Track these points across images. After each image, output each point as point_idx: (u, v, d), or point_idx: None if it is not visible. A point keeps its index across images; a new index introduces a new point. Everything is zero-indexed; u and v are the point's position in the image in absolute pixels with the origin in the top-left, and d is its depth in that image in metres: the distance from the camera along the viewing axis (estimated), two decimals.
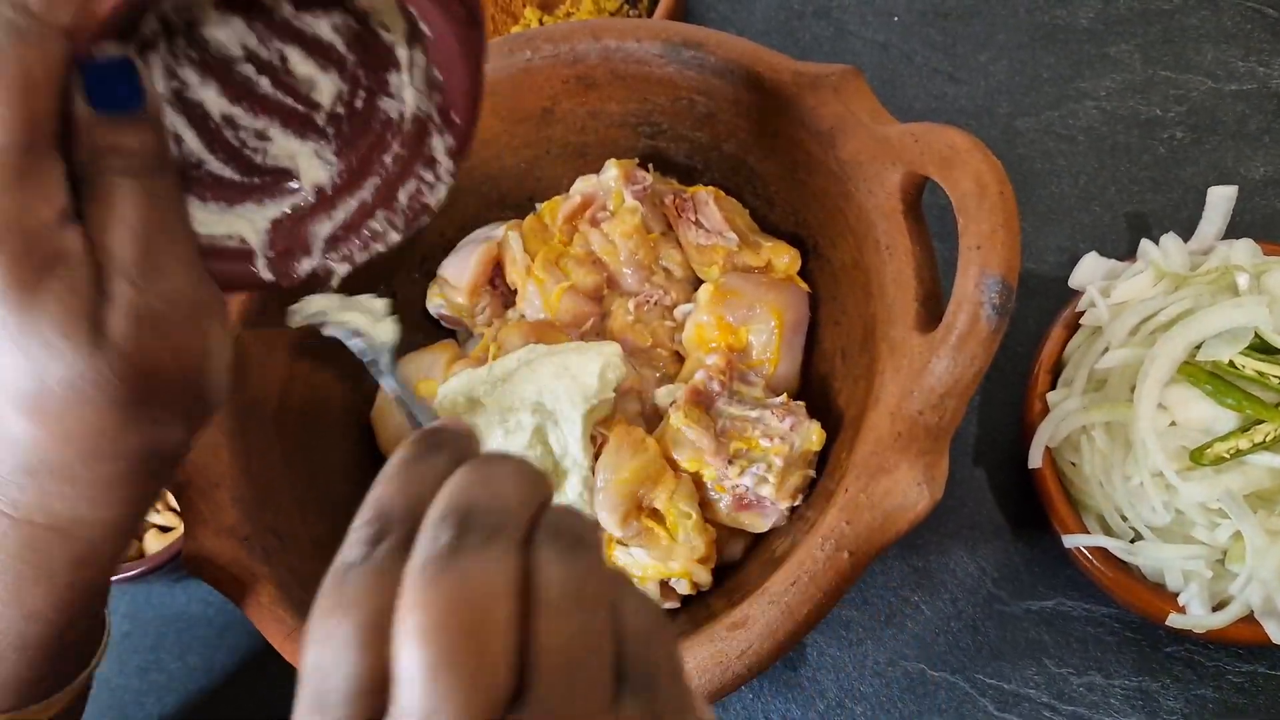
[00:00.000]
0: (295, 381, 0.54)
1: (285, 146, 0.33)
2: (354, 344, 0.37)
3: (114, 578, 0.58)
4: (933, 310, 0.43)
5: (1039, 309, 0.60)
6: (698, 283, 0.57)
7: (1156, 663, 0.52)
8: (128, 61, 0.28)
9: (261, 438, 0.51)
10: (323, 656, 0.21)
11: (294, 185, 0.33)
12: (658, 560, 0.48)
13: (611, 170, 0.57)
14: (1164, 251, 0.53)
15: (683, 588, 0.49)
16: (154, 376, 0.28)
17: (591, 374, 0.50)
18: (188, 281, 0.29)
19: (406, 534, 0.22)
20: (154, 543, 0.61)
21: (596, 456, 0.49)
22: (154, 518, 0.62)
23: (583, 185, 0.58)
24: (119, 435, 0.29)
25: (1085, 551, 0.49)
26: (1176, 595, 0.48)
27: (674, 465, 0.50)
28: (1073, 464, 0.51)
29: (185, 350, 0.29)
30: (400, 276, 0.60)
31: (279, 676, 0.62)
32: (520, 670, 0.21)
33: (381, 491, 0.24)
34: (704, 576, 0.49)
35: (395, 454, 0.25)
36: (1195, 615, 0.47)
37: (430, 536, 0.22)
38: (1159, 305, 0.51)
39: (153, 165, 0.28)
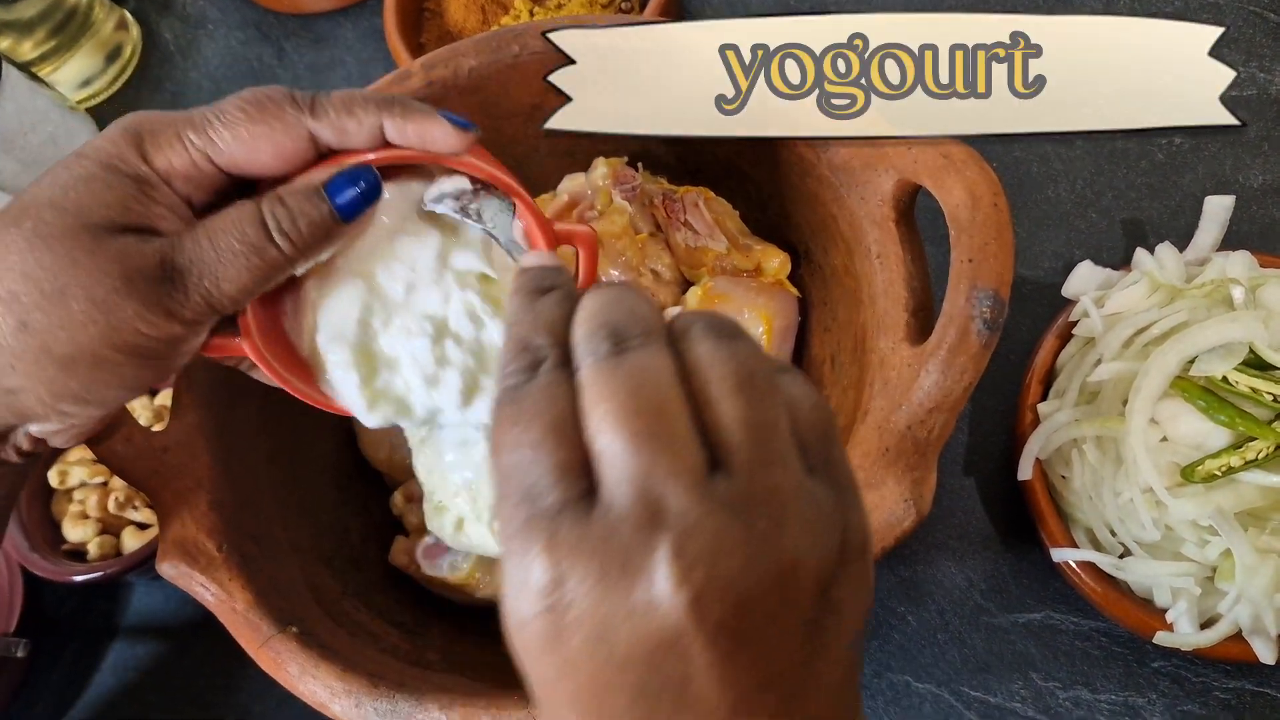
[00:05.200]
0: None
1: None
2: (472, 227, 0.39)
3: (92, 575, 0.58)
4: (923, 322, 0.42)
5: (1032, 316, 0.60)
6: (686, 285, 0.56)
7: (1143, 678, 0.51)
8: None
9: (244, 439, 0.50)
10: (520, 456, 0.23)
11: None
12: None
13: (600, 169, 0.56)
14: (1159, 262, 0.52)
15: None
16: None
17: None
18: None
19: (560, 356, 0.25)
20: (131, 541, 0.60)
21: None
22: (132, 514, 0.61)
23: (570, 184, 0.57)
24: None
25: (1074, 565, 0.49)
26: (1164, 612, 0.47)
27: None
28: (1063, 477, 0.51)
29: None
30: None
31: (255, 678, 0.61)
32: (709, 446, 0.23)
33: (517, 330, 0.26)
34: None
35: (512, 299, 0.27)
36: (1183, 633, 0.46)
37: (589, 349, 0.24)
38: (1153, 318, 0.50)
39: None
